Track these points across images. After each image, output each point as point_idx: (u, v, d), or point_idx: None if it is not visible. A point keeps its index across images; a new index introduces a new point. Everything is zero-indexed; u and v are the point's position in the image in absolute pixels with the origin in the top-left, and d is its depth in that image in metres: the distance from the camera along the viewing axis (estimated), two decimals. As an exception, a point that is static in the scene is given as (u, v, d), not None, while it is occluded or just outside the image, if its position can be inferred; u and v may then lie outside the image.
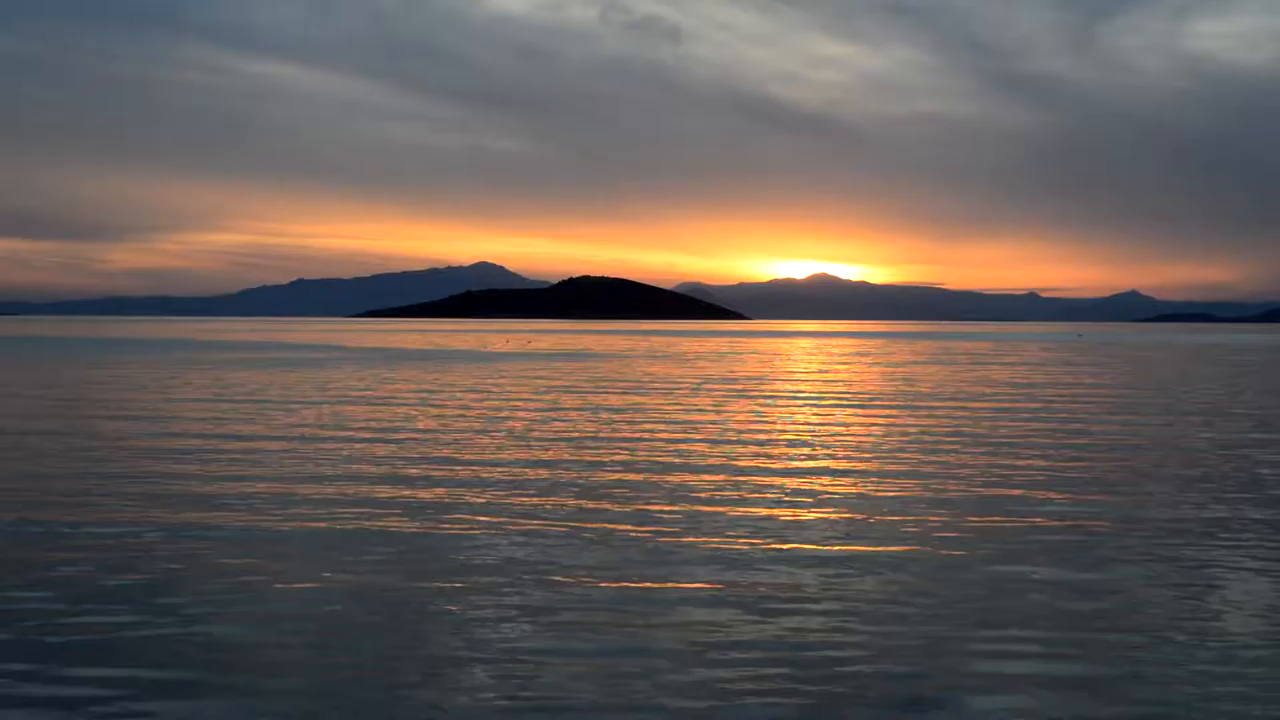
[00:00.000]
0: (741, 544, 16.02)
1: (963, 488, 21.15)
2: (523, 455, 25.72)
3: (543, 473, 22.86)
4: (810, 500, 19.75)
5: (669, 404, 41.07)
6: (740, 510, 18.71)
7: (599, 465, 24.04)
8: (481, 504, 19.21)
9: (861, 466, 24.03)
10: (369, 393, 46.19)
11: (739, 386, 51.85)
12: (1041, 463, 24.71)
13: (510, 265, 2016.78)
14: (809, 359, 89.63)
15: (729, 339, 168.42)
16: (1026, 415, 36.71)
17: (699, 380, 56.19)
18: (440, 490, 20.66)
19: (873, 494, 20.49)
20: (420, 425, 32.70)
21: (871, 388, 51.54)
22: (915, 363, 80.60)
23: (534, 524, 17.37)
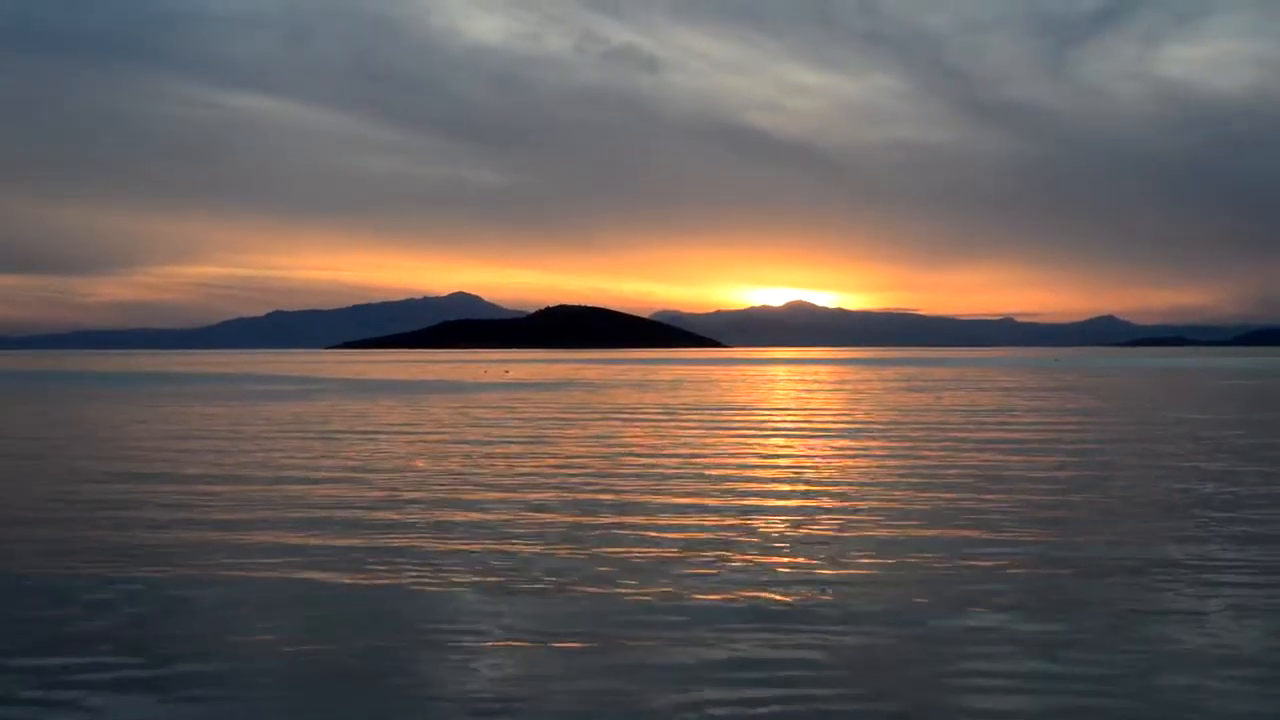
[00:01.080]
0: (745, 595, 15.74)
1: (938, 526, 20.88)
2: (505, 490, 25.42)
3: (532, 506, 22.57)
4: (785, 541, 19.47)
5: (649, 433, 40.81)
6: (725, 553, 18.41)
7: (588, 503, 23.59)
8: (463, 549, 18.89)
9: (839, 503, 23.74)
10: (342, 427, 45.78)
11: (718, 416, 51.60)
12: (1025, 497, 24.45)
13: (487, 295, 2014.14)
14: (787, 386, 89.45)
15: (706, 367, 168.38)
16: (1009, 446, 36.46)
17: (677, 407, 56.00)
18: (411, 535, 20.31)
19: (850, 532, 20.20)
20: (393, 461, 32.32)
21: (855, 417, 51.29)
22: (895, 390, 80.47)
23: (519, 547, 17.11)
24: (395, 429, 45.05)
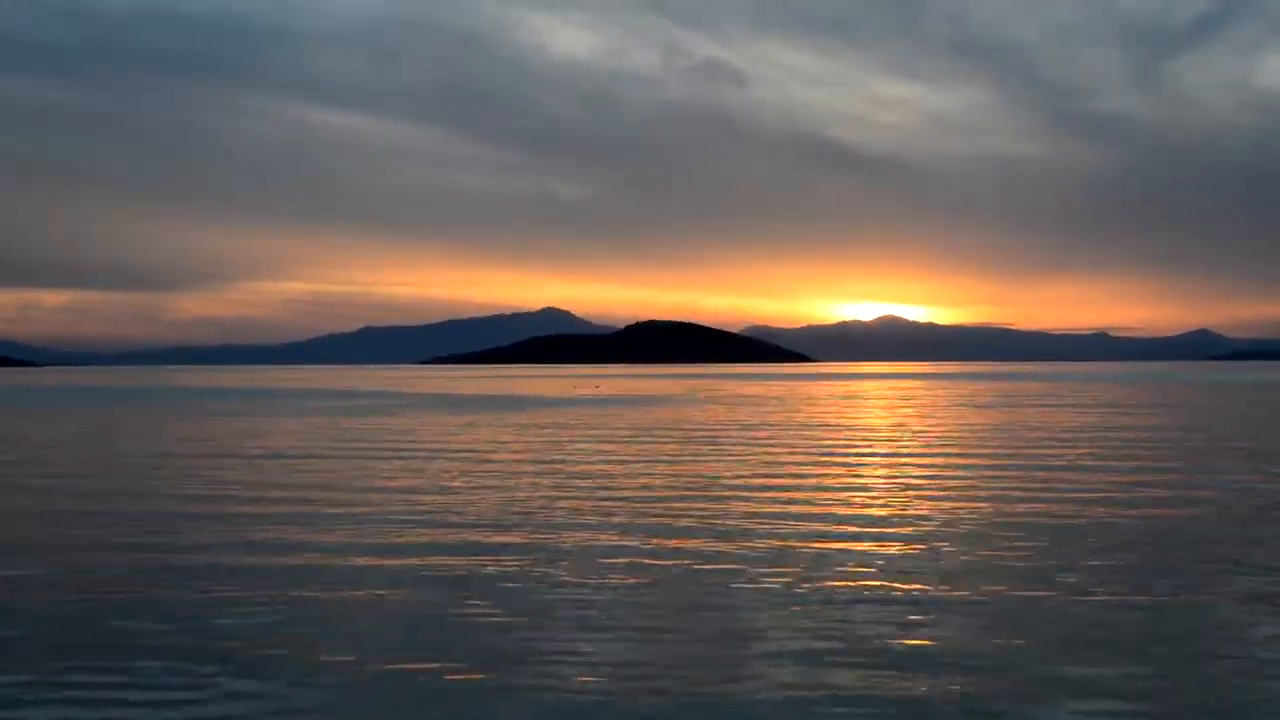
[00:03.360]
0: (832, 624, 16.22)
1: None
2: (603, 502, 26.10)
3: (618, 518, 23.21)
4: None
5: (738, 451, 41.25)
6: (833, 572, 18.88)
7: (679, 528, 23.54)
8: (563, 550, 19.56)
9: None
10: (439, 442, 46.60)
11: (825, 437, 51.85)
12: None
13: (577, 310, 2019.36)
14: (883, 404, 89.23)
15: (797, 383, 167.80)
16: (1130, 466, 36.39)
17: (776, 426, 56.32)
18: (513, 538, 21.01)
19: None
20: (481, 479, 33.02)
21: (965, 436, 51.28)
22: (1014, 406, 79.97)
23: (617, 564, 17.78)
24: (510, 443, 45.66)
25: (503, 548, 20.07)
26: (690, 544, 20.56)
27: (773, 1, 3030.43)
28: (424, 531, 21.96)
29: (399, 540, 21.01)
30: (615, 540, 20.83)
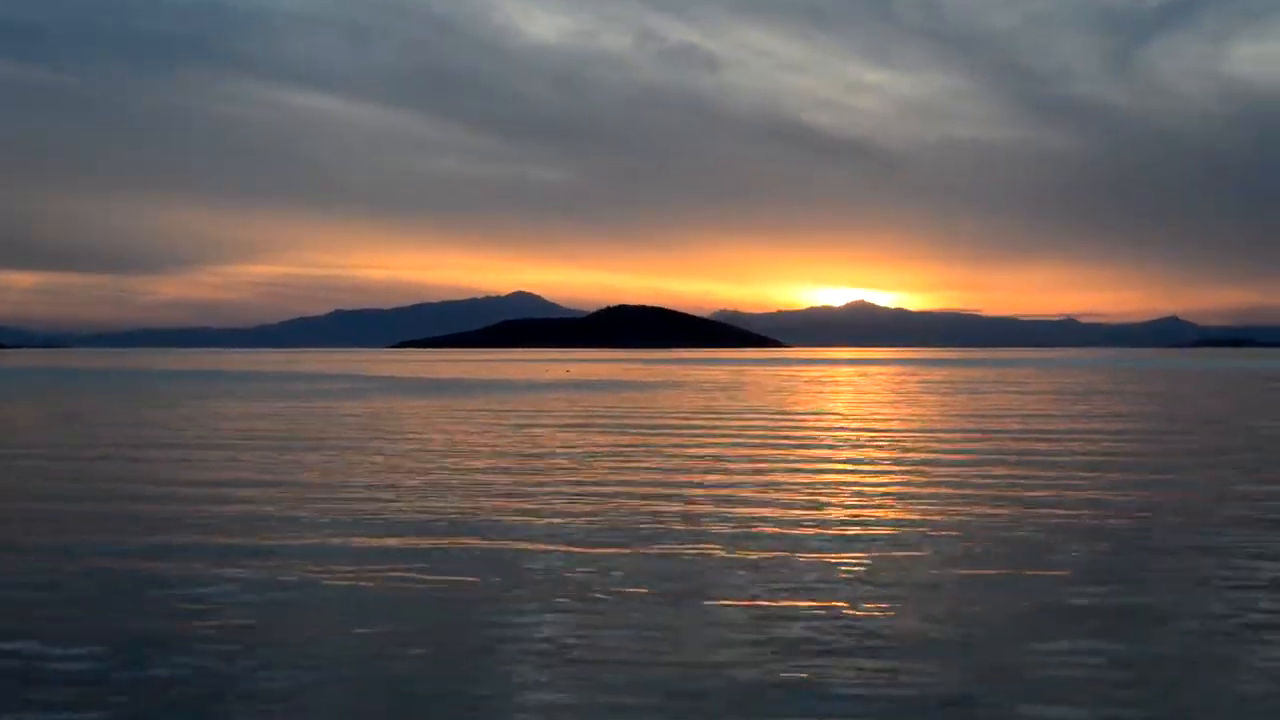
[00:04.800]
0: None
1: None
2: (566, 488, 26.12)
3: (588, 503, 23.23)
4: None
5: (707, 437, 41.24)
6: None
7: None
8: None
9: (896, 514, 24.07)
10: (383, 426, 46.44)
11: (797, 423, 51.90)
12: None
13: (547, 295, 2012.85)
14: (857, 388, 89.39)
15: (770, 367, 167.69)
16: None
17: (752, 412, 56.29)
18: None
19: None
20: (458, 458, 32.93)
21: (937, 424, 51.38)
22: (982, 392, 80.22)
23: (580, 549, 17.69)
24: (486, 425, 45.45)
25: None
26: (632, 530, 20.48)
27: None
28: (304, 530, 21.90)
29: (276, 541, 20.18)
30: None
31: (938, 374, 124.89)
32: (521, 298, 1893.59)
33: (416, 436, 39.83)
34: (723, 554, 17.57)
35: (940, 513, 21.51)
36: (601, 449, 34.98)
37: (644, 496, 24.02)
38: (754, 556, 17.24)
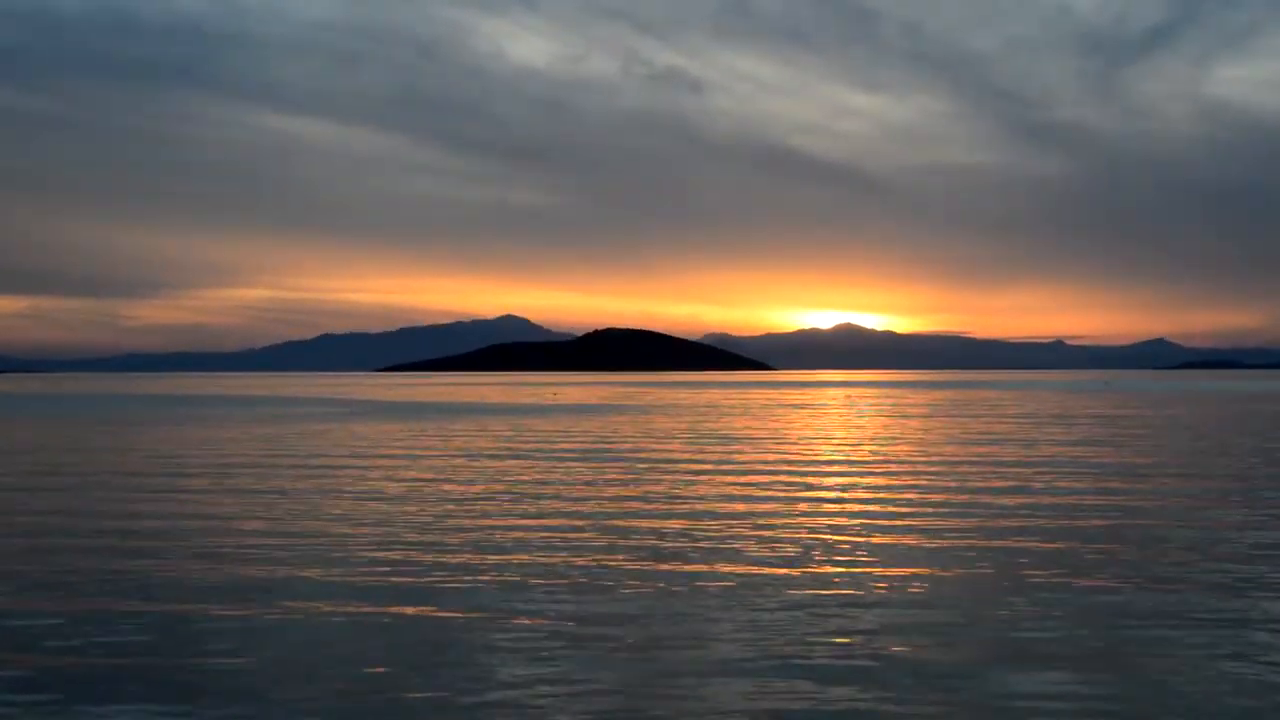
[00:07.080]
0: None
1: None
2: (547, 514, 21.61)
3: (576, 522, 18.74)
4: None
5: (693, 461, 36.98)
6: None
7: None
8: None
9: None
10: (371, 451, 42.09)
11: (789, 448, 47.71)
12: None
13: (534, 318, 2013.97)
14: (847, 414, 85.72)
15: (761, 390, 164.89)
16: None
17: (749, 438, 52.24)
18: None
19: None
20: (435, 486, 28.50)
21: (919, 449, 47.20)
22: (969, 417, 76.47)
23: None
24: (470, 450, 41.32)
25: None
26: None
27: (731, 10, 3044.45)
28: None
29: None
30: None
31: (922, 397, 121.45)
32: (509, 321, 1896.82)
33: (376, 462, 35.38)
34: (719, 606, 15.09)
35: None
36: (570, 478, 31.17)
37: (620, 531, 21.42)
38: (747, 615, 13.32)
